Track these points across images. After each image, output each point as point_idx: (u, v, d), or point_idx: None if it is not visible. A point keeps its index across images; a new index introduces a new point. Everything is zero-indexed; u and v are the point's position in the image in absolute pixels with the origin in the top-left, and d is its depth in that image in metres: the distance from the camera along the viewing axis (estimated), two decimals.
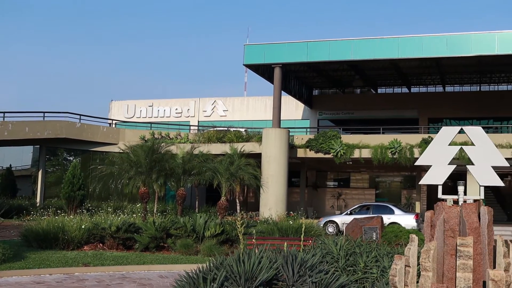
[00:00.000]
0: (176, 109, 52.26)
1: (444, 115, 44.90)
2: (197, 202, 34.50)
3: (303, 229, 12.71)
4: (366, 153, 35.35)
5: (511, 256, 7.43)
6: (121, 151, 29.94)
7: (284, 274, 9.42)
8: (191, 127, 46.01)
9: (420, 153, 8.22)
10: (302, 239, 12.21)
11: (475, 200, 7.83)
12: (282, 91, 37.57)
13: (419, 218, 31.25)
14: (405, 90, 47.65)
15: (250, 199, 42.64)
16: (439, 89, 46.89)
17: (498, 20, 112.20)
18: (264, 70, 37.36)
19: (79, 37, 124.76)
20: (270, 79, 37.28)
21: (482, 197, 8.07)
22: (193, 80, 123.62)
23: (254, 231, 18.50)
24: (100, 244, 20.01)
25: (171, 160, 29.80)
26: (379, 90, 48.70)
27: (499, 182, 8.01)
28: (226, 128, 39.81)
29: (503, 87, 46.01)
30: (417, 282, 7.46)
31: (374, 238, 23.15)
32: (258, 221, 26.52)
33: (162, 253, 19.26)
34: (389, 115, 45.55)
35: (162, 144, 30.67)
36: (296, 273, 9.40)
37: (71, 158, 39.75)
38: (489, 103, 43.41)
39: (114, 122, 45.05)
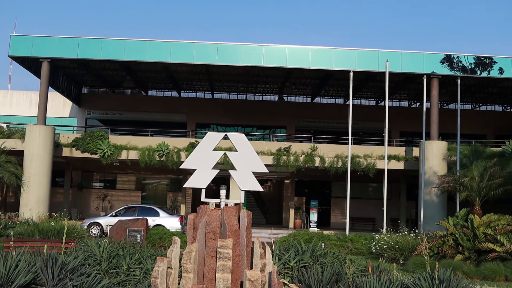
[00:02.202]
0: None
1: (211, 120, 46.28)
2: None
3: (65, 231, 12.31)
4: (133, 155, 35.30)
5: (267, 257, 7.87)
6: None
7: (44, 277, 9.08)
8: None
9: (187, 157, 8.38)
10: (64, 241, 11.82)
11: (236, 204, 8.18)
12: (50, 87, 36.14)
13: (184, 221, 31.87)
14: (175, 94, 48.35)
15: (10, 198, 40.39)
16: (208, 95, 48.28)
17: (266, 34, 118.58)
18: (31, 64, 35.63)
19: None
20: (37, 73, 35.65)
21: (243, 201, 8.45)
22: None
23: (12, 233, 17.60)
24: None
25: None
26: (150, 93, 48.85)
27: (258, 187, 8.43)
28: None
29: (267, 97, 48.63)
30: (179, 283, 7.59)
31: (139, 240, 23.17)
32: (18, 222, 25.33)
33: None
34: (159, 118, 45.89)
35: None
36: (56, 276, 9.11)
37: None
38: (254, 111, 45.62)
39: None
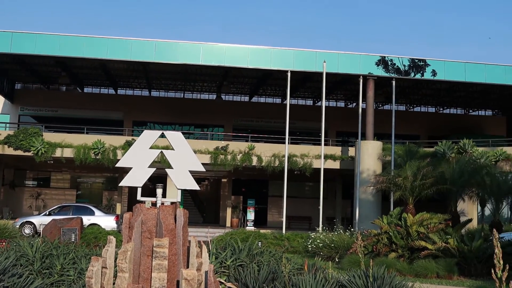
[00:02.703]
0: None
1: (148, 118, 45.86)
2: None
3: None
4: (68, 153, 34.69)
5: (203, 256, 7.84)
6: None
7: None
8: None
9: (123, 155, 8.31)
10: None
11: (172, 203, 8.11)
12: None
13: (120, 220, 31.51)
14: (112, 91, 47.70)
15: None
16: (145, 93, 47.83)
17: (205, 32, 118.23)
18: None
19: None
20: None
21: (180, 199, 8.39)
22: None
23: None
24: None
25: None
26: (86, 90, 48.06)
27: (195, 186, 8.39)
28: None
29: (205, 96, 48.51)
30: (114, 283, 7.48)
31: (73, 240, 22.79)
32: None
33: None
34: (95, 115, 45.14)
35: None
36: None
37: None
38: (192, 110, 45.41)
39: None
